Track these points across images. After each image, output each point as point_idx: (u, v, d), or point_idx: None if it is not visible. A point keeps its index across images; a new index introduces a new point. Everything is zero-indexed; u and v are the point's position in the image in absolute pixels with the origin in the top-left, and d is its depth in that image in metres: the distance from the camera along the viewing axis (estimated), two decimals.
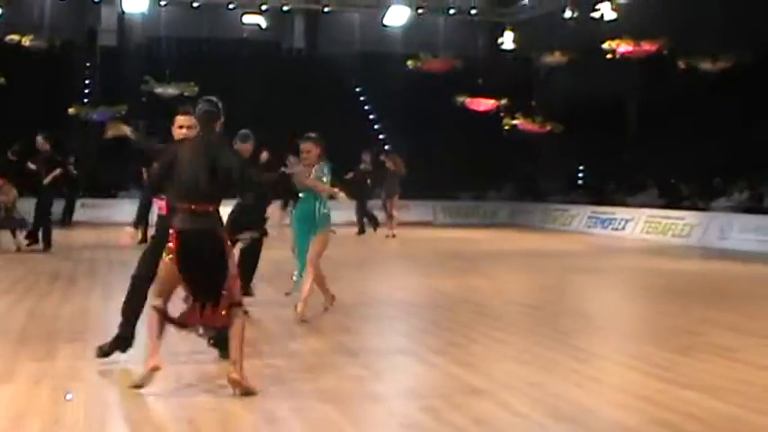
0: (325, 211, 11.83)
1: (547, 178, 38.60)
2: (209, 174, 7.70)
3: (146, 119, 36.23)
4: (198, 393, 7.86)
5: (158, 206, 8.59)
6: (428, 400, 7.77)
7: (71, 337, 9.12)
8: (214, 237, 7.76)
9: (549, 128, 37.17)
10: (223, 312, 7.73)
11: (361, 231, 27.92)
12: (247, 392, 7.65)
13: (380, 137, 39.97)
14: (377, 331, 10.47)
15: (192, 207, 7.68)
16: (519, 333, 11.23)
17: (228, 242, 8.04)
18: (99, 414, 7.24)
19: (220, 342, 8.49)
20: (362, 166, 28.22)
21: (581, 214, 32.94)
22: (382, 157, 29.01)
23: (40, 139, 20.54)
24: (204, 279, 7.72)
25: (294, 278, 11.95)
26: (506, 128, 38.14)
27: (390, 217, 28.17)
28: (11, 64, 35.34)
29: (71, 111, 36.01)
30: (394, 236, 26.73)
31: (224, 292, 7.73)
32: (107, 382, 8.26)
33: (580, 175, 39.66)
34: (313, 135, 11.79)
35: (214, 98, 8.17)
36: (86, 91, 40.14)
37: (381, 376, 8.81)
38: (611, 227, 30.86)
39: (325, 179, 11.73)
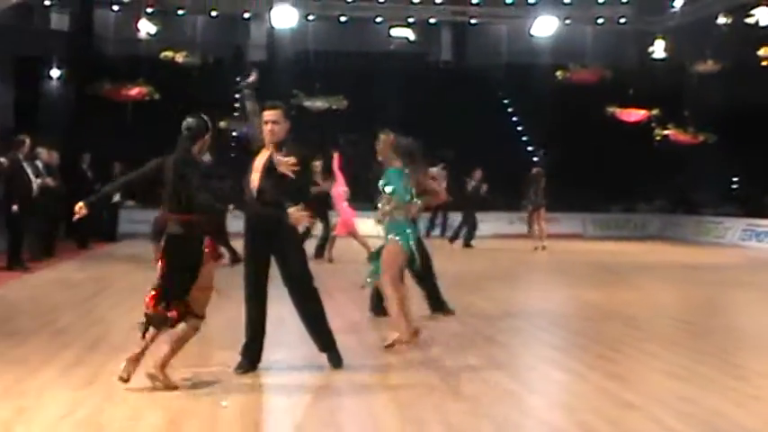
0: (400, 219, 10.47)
1: (699, 190, 37.78)
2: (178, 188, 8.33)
3: (295, 132, 36.71)
4: (343, 397, 7.90)
5: None
6: (580, 413, 7.64)
7: (224, 345, 9.24)
8: (192, 244, 8.31)
9: (701, 138, 36.45)
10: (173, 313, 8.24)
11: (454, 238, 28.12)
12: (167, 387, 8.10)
13: (528, 149, 39.75)
14: (526, 343, 10.36)
15: (174, 216, 8.33)
16: (671, 347, 10.95)
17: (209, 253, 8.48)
18: (254, 421, 7.36)
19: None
20: (473, 183, 27.90)
21: (735, 227, 32.16)
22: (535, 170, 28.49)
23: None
24: (178, 279, 8.25)
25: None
26: (658, 138, 37.55)
27: (534, 229, 27.79)
28: (165, 79, 36.29)
29: (222, 124, 36.74)
30: (544, 248, 26.41)
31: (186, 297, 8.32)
32: (262, 390, 8.40)
33: (734, 186, 38.74)
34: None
35: (204, 116, 8.79)
36: (236, 105, 40.90)
37: (532, 389, 8.71)
38: (767, 240, 30.02)
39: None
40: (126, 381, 8.12)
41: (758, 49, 32.98)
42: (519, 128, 41.20)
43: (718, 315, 14.37)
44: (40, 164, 19.51)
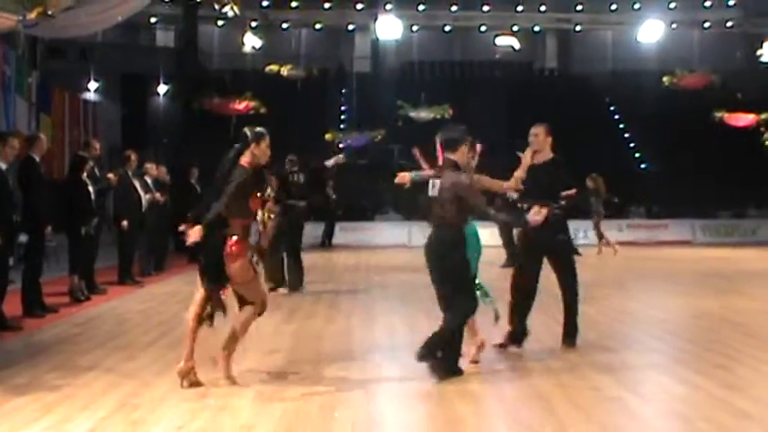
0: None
1: None
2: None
3: (401, 143, 37.02)
4: (456, 405, 7.98)
5: None
6: (694, 423, 7.61)
7: (336, 357, 9.38)
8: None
9: None
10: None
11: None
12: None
13: (636, 155, 39.42)
14: (636, 350, 10.29)
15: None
16: None
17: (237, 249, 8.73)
18: (367, 430, 7.43)
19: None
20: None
21: None
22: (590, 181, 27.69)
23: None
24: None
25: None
26: (767, 142, 36.96)
27: (600, 237, 27.07)
28: (271, 93, 36.77)
29: (327, 136, 37.12)
30: (615, 251, 25.75)
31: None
32: (373, 400, 8.45)
33: None
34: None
35: (261, 129, 9.05)
36: (342, 117, 41.27)
37: (643, 396, 8.69)
38: None
39: None
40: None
41: None
42: (626, 135, 40.87)
43: None
44: (148, 179, 19.81)
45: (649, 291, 18.74)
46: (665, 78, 39.13)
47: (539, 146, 10.82)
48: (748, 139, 37.37)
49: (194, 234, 8.44)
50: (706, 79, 39.43)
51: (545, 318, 12.42)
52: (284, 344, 11.13)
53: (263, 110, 36.16)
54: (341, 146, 38.17)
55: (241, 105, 36.72)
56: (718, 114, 37.71)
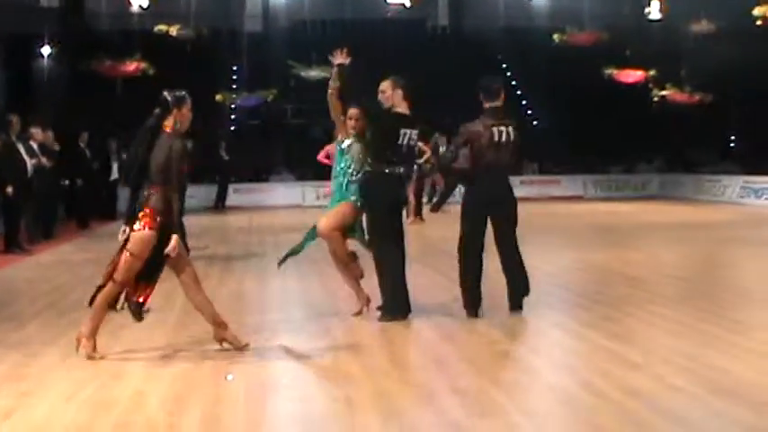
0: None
1: (697, 149, 37.89)
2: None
3: (294, 103, 36.90)
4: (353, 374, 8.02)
5: None
6: (584, 374, 7.75)
7: (228, 320, 9.32)
8: None
9: (698, 98, 36.55)
10: None
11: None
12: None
13: (528, 113, 39.76)
14: (528, 304, 10.40)
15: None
16: (673, 306, 11.05)
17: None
18: (260, 393, 7.41)
19: None
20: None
21: (733, 185, 32.20)
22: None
23: None
24: None
25: None
26: (655, 99, 37.63)
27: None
28: (159, 54, 36.20)
29: (218, 98, 36.76)
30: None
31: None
32: (266, 361, 8.45)
33: (732, 144, 38.84)
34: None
35: (181, 92, 8.74)
36: (234, 77, 40.88)
37: (534, 350, 8.82)
38: (764, 197, 30.08)
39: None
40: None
41: (752, 9, 32.94)
42: (518, 92, 41.17)
43: (719, 272, 14.49)
44: (34, 144, 19.16)
45: (541, 246, 18.93)
46: (555, 36, 39.44)
47: (389, 101, 10.36)
48: (638, 96, 37.94)
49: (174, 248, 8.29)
50: (595, 36, 39.79)
51: (433, 273, 12.50)
52: (176, 308, 11.02)
53: (151, 71, 35.58)
54: (233, 106, 37.91)
55: (131, 67, 36.10)
56: (608, 71, 38.15)
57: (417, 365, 8.37)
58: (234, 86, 39.63)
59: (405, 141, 10.02)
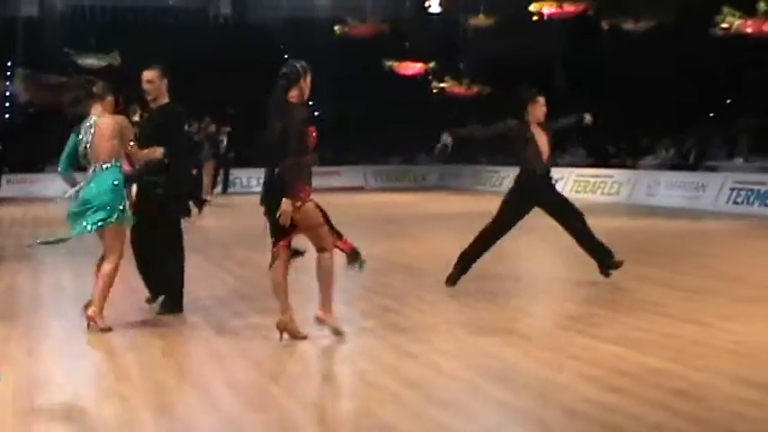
0: None
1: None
2: None
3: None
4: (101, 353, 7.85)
5: None
6: (360, 364, 7.80)
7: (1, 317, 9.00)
8: None
9: (476, 90, 37.34)
10: None
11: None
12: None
13: (310, 103, 39.82)
14: (304, 294, 10.37)
15: None
16: (451, 295, 11.27)
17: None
18: (27, 393, 7.11)
19: None
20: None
21: (512, 175, 32.95)
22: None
23: None
24: None
25: None
26: (435, 91, 38.24)
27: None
28: None
29: None
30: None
31: None
32: (37, 358, 8.19)
33: None
34: None
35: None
36: (8, 64, 39.51)
37: (314, 342, 8.80)
38: None
39: None
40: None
41: (529, 5, 33.87)
42: None
43: (495, 261, 14.74)
44: None
45: None
46: (336, 27, 39.61)
47: (156, 92, 10.19)
48: (417, 88, 38.48)
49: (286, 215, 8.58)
50: (376, 28, 40.14)
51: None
52: None
53: None
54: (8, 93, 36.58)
55: None
56: (389, 63, 38.55)
57: (193, 359, 8.26)
58: (8, 74, 38.29)
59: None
